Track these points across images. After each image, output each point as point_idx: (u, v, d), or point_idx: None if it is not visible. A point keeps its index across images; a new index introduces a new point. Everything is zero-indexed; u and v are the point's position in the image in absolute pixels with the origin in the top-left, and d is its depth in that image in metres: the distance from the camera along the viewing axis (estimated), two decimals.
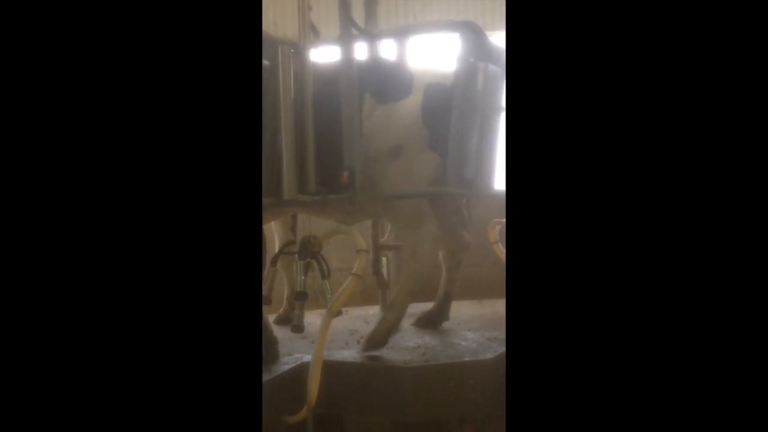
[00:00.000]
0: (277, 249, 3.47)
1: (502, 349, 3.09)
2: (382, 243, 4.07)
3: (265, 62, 2.65)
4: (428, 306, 3.79)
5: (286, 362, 2.98)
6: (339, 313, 2.84)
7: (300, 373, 2.87)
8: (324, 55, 3.47)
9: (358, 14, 3.25)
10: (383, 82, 3.12)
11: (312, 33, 3.08)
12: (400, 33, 3.66)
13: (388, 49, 3.54)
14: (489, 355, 3.02)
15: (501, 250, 4.39)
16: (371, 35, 3.38)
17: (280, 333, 3.22)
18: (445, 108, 2.97)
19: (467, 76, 2.98)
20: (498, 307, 4.23)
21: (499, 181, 3.41)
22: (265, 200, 2.63)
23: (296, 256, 2.95)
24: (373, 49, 3.48)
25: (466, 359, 3.00)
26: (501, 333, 3.38)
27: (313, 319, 3.51)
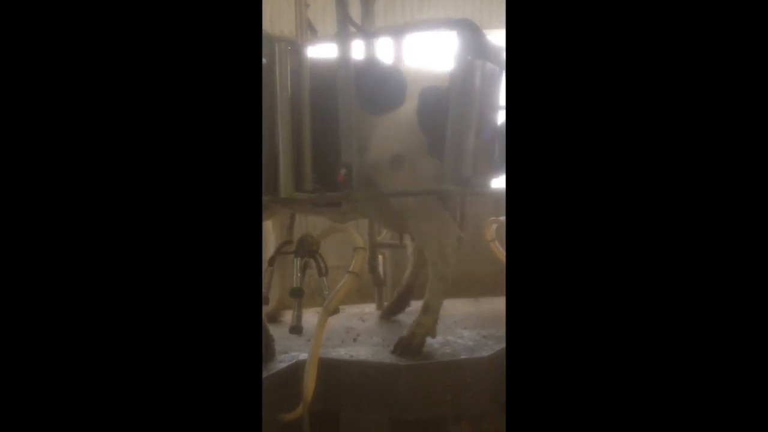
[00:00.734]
0: (273, 249, 3.46)
1: (498, 346, 3.10)
2: (379, 241, 4.07)
3: (262, 60, 2.64)
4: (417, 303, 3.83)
5: (282, 360, 2.98)
6: (336, 311, 2.84)
7: (296, 371, 2.87)
8: (321, 52, 3.47)
9: (355, 12, 3.24)
10: (376, 93, 3.11)
11: (309, 30, 3.08)
12: (398, 31, 3.66)
13: (384, 48, 3.53)
14: (485, 353, 3.03)
15: (497, 248, 4.39)
16: (368, 33, 3.38)
17: (275, 332, 3.22)
18: (442, 111, 2.95)
19: (464, 74, 2.98)
20: (494, 304, 4.24)
21: (495, 180, 3.41)
22: (263, 198, 2.62)
23: (293, 255, 2.95)
24: (369, 48, 3.48)
25: (463, 357, 3.00)
26: (497, 331, 3.39)
27: (309, 317, 3.51)
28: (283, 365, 2.91)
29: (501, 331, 3.34)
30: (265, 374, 2.75)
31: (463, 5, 5.67)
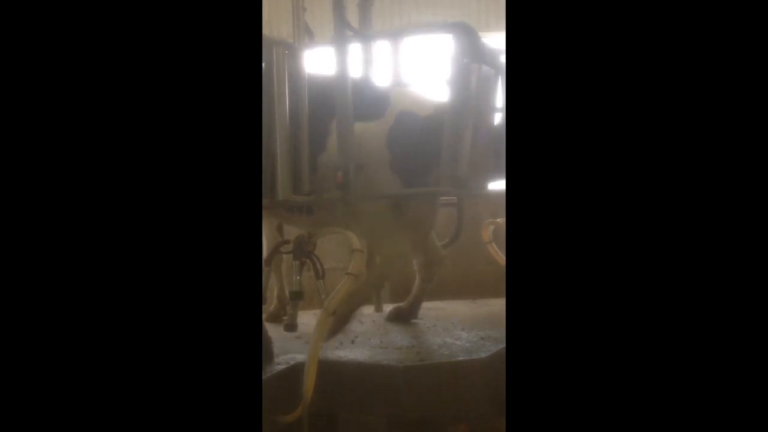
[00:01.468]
0: (265, 250, 3.47)
1: (496, 348, 3.10)
2: None
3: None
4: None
5: (281, 362, 2.98)
6: (334, 313, 2.84)
7: (295, 372, 2.87)
8: (318, 56, 3.49)
9: (352, 15, 3.26)
10: (360, 102, 3.17)
11: (306, 34, 3.10)
12: (395, 34, 3.68)
13: (382, 50, 3.56)
14: (483, 354, 3.03)
15: (495, 250, 4.41)
16: (365, 36, 3.40)
17: (274, 333, 3.22)
18: (411, 134, 3.17)
19: (461, 77, 3.00)
20: (492, 306, 4.25)
21: (492, 182, 3.43)
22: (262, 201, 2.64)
23: (291, 255, 2.96)
24: (367, 51, 3.50)
25: (461, 358, 3.01)
26: (495, 332, 3.40)
27: (308, 319, 3.52)
28: (281, 367, 2.91)
29: (499, 332, 3.35)
30: (264, 375, 2.75)
31: (461, 8, 5.69)
